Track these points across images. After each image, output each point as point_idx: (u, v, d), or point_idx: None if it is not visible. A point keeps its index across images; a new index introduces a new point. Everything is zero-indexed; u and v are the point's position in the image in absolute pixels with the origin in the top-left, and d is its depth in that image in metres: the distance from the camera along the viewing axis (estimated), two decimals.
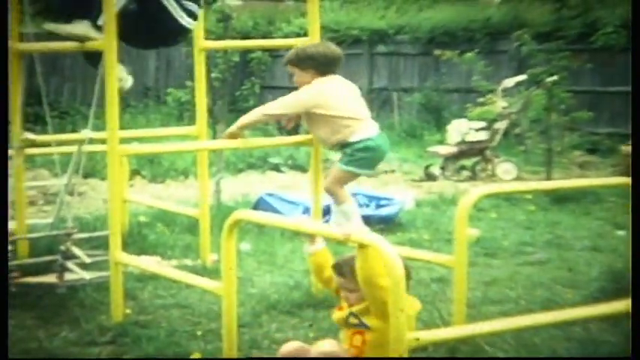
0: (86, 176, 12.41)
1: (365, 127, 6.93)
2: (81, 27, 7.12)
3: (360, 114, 7.00)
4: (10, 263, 7.26)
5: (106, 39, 6.52)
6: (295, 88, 7.01)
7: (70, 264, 7.16)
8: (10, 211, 8.46)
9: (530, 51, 14.04)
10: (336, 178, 6.84)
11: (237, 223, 5.35)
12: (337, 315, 5.00)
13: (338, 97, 6.90)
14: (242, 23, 22.10)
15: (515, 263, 8.68)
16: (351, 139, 6.83)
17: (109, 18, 6.46)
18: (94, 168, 13.37)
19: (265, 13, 25.06)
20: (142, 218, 9.98)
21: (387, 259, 4.33)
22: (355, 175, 6.91)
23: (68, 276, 7.13)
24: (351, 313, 4.85)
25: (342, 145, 6.87)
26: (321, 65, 6.87)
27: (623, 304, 4.87)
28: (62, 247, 7.22)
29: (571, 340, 5.99)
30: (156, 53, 22.31)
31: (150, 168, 14.53)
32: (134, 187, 12.96)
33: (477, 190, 6.08)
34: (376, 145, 6.89)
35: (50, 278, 7.21)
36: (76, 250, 7.24)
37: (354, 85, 7.16)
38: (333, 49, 7.02)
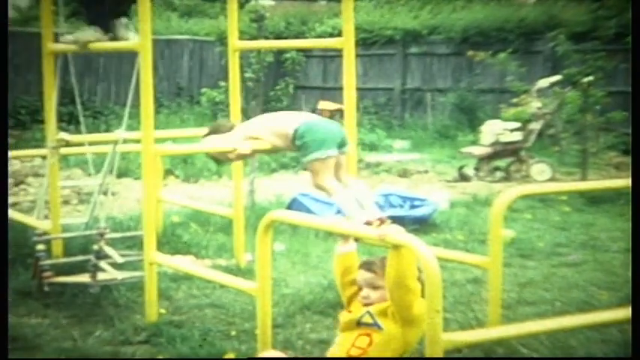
0: (120, 176, 12.45)
1: (294, 118, 6.95)
2: (90, 33, 7.18)
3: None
4: (42, 262, 7.31)
5: (141, 40, 6.54)
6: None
7: (103, 264, 7.18)
8: (44, 211, 8.54)
9: (566, 51, 13.95)
10: (313, 172, 6.78)
11: (272, 223, 5.34)
12: (346, 317, 4.97)
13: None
14: (275, 24, 22.12)
15: (551, 264, 8.62)
16: (290, 132, 6.83)
17: (143, 20, 6.47)
18: (127, 168, 13.43)
19: (298, 13, 25.09)
20: (176, 218, 10.00)
21: (423, 259, 4.30)
22: (325, 161, 6.78)
23: (101, 276, 7.14)
24: (368, 312, 4.82)
25: (292, 143, 6.86)
26: None
27: None
28: (95, 247, 7.24)
29: (607, 342, 5.94)
30: (189, 53, 22.41)
31: (183, 168, 14.56)
32: (167, 186, 12.99)
33: (512, 191, 6.02)
34: (314, 125, 6.83)
35: (84, 278, 7.24)
36: (109, 250, 7.25)
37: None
38: None
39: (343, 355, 4.80)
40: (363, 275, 4.97)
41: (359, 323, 4.86)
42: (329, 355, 4.94)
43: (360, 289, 5.00)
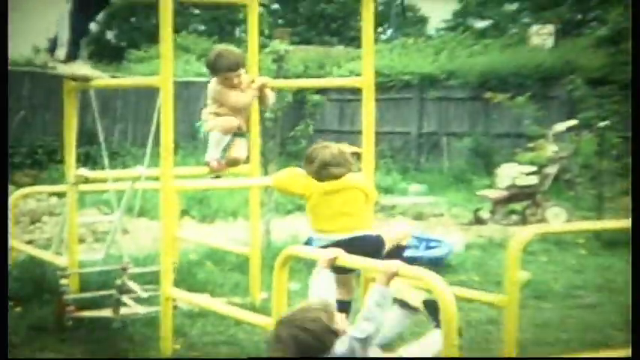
0: (137, 215, 12.49)
1: None
2: (81, 67, 7.27)
3: None
4: (65, 297, 7.34)
5: (161, 76, 6.60)
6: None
7: (125, 298, 7.20)
8: (62, 247, 8.57)
9: (582, 95, 13.97)
10: None
11: (289, 259, 5.37)
12: None
13: None
14: (293, 67, 22.22)
15: (567, 306, 8.61)
16: None
17: (165, 57, 6.54)
18: (143, 208, 13.46)
19: (316, 57, 25.23)
20: (192, 256, 10.02)
21: (438, 292, 4.31)
22: None
23: (123, 310, 7.17)
24: None
25: None
26: None
27: None
28: (118, 282, 7.27)
29: None
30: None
31: (199, 208, 14.60)
32: (183, 227, 13.01)
33: (529, 229, 6.06)
34: None
35: (105, 312, 7.26)
36: (132, 285, 7.28)
37: None
38: None
39: None
40: None
41: None
42: None
43: None
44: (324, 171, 6.66)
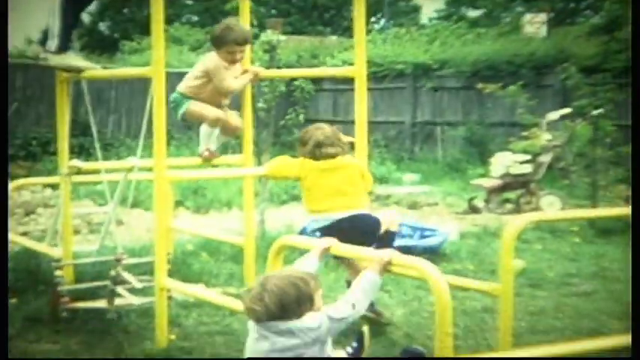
0: (131, 207, 12.48)
1: None
2: (73, 58, 7.25)
3: None
4: (60, 288, 7.34)
5: (154, 67, 6.58)
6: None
7: (120, 289, 7.20)
8: (56, 239, 8.56)
9: (576, 84, 13.97)
10: None
11: (283, 248, 5.37)
12: None
13: None
14: (286, 57, 22.22)
15: (561, 294, 8.62)
16: None
17: (157, 47, 6.52)
18: (137, 198, 13.45)
19: (309, 47, 25.23)
20: (187, 247, 10.02)
21: (432, 281, 4.31)
22: None
23: (117, 301, 7.16)
24: None
25: None
26: None
27: None
28: (112, 273, 7.27)
29: None
30: None
31: (194, 199, 14.60)
32: (178, 218, 13.01)
33: (523, 217, 6.04)
34: None
35: (100, 303, 7.26)
36: (127, 275, 7.28)
37: None
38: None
39: None
40: None
41: None
42: None
43: None
44: (318, 150, 6.73)
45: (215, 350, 6.66)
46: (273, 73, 9.71)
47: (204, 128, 7.43)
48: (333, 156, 6.73)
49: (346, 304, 4.56)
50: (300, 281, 4.33)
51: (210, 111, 7.33)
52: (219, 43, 7.26)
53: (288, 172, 6.90)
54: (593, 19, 23.28)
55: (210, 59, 7.31)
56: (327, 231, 6.51)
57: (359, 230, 6.41)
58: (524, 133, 15.37)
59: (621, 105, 14.68)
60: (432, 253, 10.03)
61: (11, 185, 10.19)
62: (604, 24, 20.93)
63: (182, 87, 7.35)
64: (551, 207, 14.20)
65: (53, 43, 7.20)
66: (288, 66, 22.00)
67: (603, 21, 21.37)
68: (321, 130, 6.85)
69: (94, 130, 8.23)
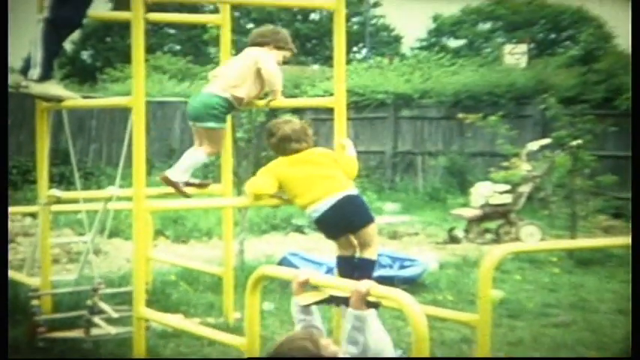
0: (110, 236, 12.44)
1: None
2: (53, 87, 7.25)
3: None
4: (37, 318, 7.31)
5: (134, 97, 6.59)
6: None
7: (96, 319, 7.18)
8: (34, 269, 8.53)
9: (555, 114, 14.03)
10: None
11: (262, 278, 5.36)
12: None
13: None
14: None
15: (540, 325, 8.63)
16: None
17: (137, 77, 6.53)
18: (117, 227, 13.42)
19: (291, 77, 25.24)
20: (166, 277, 10.00)
21: (409, 312, 4.32)
22: None
23: (94, 331, 7.14)
24: None
25: None
26: None
27: None
28: (89, 302, 7.25)
29: None
30: (181, 116, 22.49)
31: (174, 228, 14.57)
32: (158, 247, 12.98)
33: (502, 248, 6.05)
34: None
35: (76, 333, 7.23)
36: (103, 305, 7.26)
37: None
38: None
39: None
40: None
41: None
42: None
43: None
44: (282, 145, 6.67)
45: None
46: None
47: (196, 157, 7.38)
48: (298, 151, 6.67)
49: (350, 344, 4.62)
50: (299, 352, 4.29)
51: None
52: (279, 43, 7.32)
53: (268, 187, 6.68)
54: (573, 51, 23.39)
55: (272, 59, 7.26)
56: (329, 214, 6.56)
57: (352, 211, 6.47)
58: (505, 164, 15.41)
59: (600, 136, 14.75)
60: (412, 284, 10.05)
61: None
62: (582, 55, 21.10)
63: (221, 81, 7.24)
64: (530, 237, 14.24)
65: (35, 72, 7.20)
66: None
67: (582, 52, 21.53)
68: (290, 125, 6.75)
69: (73, 159, 8.23)
